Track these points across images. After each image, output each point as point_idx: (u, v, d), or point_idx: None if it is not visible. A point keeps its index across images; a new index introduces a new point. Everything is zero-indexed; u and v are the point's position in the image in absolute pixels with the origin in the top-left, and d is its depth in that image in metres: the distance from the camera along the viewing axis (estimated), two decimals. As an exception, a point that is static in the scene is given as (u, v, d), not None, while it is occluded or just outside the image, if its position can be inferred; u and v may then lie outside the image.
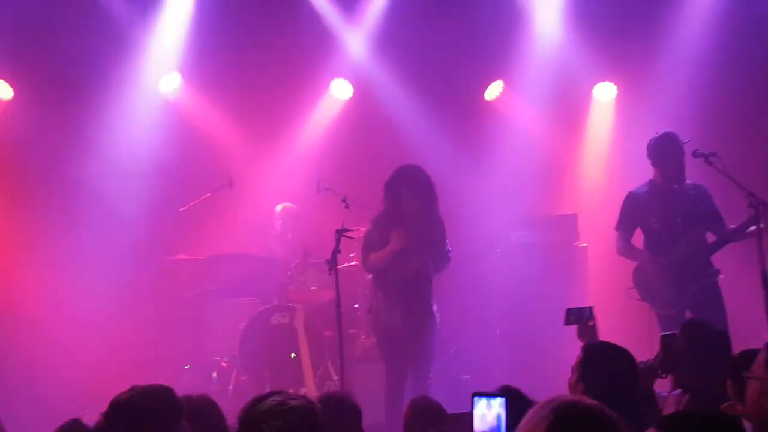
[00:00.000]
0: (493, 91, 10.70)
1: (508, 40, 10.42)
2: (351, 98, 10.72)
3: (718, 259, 7.72)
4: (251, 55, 10.32)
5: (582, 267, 9.67)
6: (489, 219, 9.94)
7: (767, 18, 9.44)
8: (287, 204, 9.97)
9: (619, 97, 10.55)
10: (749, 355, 3.85)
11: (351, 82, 10.67)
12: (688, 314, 7.32)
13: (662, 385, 5.17)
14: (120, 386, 3.86)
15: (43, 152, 9.64)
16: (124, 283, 9.42)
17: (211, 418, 4.09)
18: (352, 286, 8.85)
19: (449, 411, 5.00)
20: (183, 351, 9.37)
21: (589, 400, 2.59)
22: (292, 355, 8.90)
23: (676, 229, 7.67)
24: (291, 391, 3.38)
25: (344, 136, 10.54)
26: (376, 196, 7.92)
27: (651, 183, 7.87)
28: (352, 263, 8.89)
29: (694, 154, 7.29)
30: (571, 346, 5.47)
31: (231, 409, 3.95)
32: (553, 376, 6.17)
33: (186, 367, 9.21)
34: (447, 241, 7.82)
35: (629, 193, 7.99)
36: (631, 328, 7.70)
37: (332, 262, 7.27)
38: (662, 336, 5.22)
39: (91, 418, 4.25)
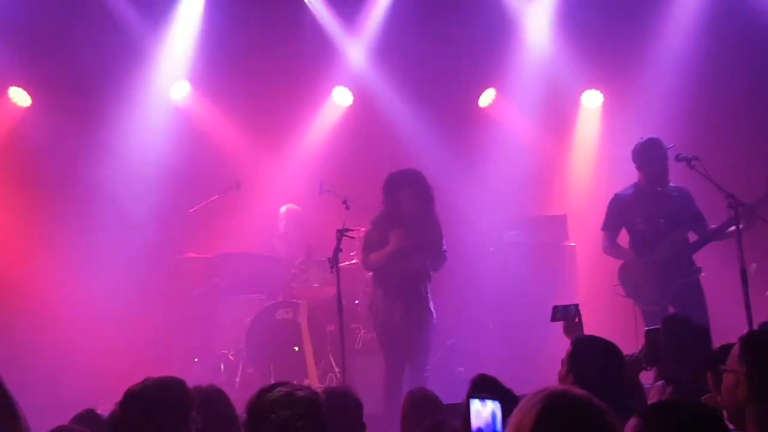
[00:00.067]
0: (486, 98, 10.71)
1: (500, 50, 10.44)
2: (351, 105, 10.72)
3: (699, 258, 7.73)
4: (256, 65, 10.32)
5: (571, 265, 9.68)
6: (482, 220, 9.96)
7: (748, 29, 9.45)
8: (291, 205, 9.97)
9: (605, 104, 10.56)
10: (728, 349, 3.86)
11: (351, 89, 10.67)
12: (671, 310, 7.32)
13: (647, 377, 5.19)
14: (133, 378, 3.86)
15: (60, 157, 9.62)
16: (136, 281, 9.41)
17: (220, 408, 4.10)
18: (352, 283, 8.87)
19: (445, 401, 5.01)
20: (192, 345, 9.36)
21: (578, 390, 2.60)
22: (296, 348, 8.89)
23: (660, 230, 7.69)
24: (295, 382, 3.38)
25: (345, 141, 10.55)
26: (375, 197, 7.93)
27: (636, 185, 7.88)
28: (353, 261, 8.89)
29: (677, 158, 7.30)
30: (559, 341, 5.49)
31: (238, 400, 3.96)
32: (543, 368, 6.22)
33: (195, 360, 9.21)
34: (443, 241, 7.83)
35: (615, 195, 8.00)
36: (617, 323, 7.70)
37: (334, 261, 7.28)
38: (647, 330, 5.23)
39: (105, 408, 4.26)
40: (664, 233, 7.68)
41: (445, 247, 7.85)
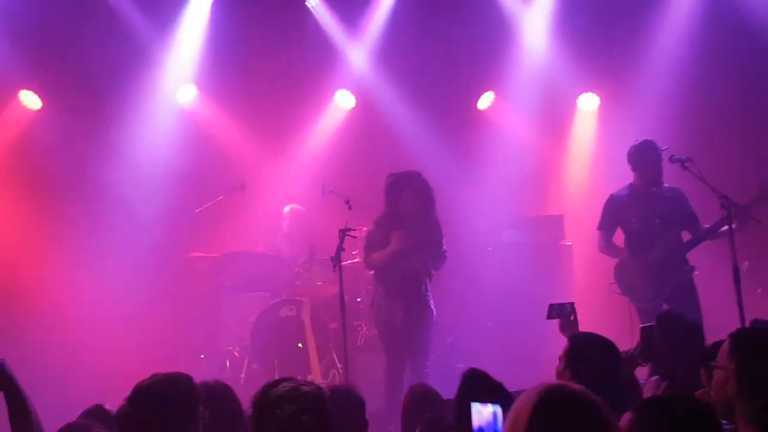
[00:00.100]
0: (485, 101, 10.72)
1: (498, 54, 10.44)
2: (353, 108, 10.74)
3: (693, 257, 7.74)
4: (261, 69, 10.34)
5: (567, 264, 9.68)
6: (481, 220, 9.97)
7: (740, 32, 9.45)
8: (294, 205, 9.99)
9: (601, 107, 10.56)
10: (720, 346, 3.88)
11: (353, 93, 10.69)
12: (665, 308, 7.32)
13: (642, 373, 5.20)
14: (141, 375, 3.86)
15: (69, 159, 9.63)
16: (144, 280, 9.42)
17: (226, 403, 4.10)
18: (354, 281, 8.87)
19: (445, 397, 5.01)
20: (199, 342, 9.38)
21: (574, 385, 2.60)
22: (300, 345, 8.90)
23: (655, 229, 7.69)
24: (299, 378, 3.39)
25: (347, 143, 10.56)
26: (376, 198, 7.94)
27: (631, 186, 7.88)
28: (355, 260, 8.90)
29: (671, 160, 7.30)
30: (556, 338, 5.50)
31: (244, 395, 3.96)
32: (541, 364, 6.22)
33: (202, 356, 9.23)
34: (443, 241, 7.83)
35: (611, 195, 8.00)
36: (612, 320, 7.70)
37: (336, 260, 7.28)
38: (642, 327, 5.24)
39: (113, 404, 4.26)
40: (658, 233, 7.69)
41: (445, 247, 7.84)
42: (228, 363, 9.08)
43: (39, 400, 3.89)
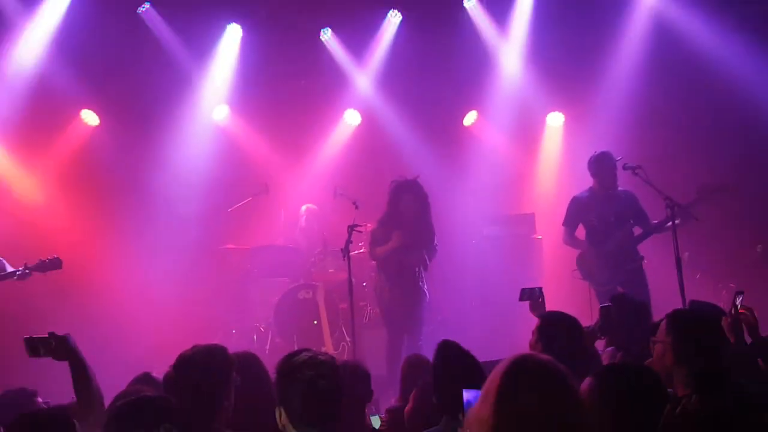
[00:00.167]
0: (470, 118, 10.70)
1: (481, 80, 10.43)
2: (360, 124, 10.71)
3: (643, 248, 7.75)
4: (282, 91, 10.33)
5: (538, 254, 9.69)
6: (466, 217, 9.95)
7: (683, 63, 9.46)
8: (310, 205, 9.97)
9: (566, 123, 10.55)
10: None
11: (360, 111, 10.67)
12: (620, 290, 7.32)
13: (600, 345, 5.20)
14: (183, 346, 3.86)
15: (123, 168, 9.66)
16: (185, 268, 9.41)
17: (254, 370, 4.10)
18: (361, 269, 8.85)
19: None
20: (230, 319, 9.36)
21: (542, 355, 2.59)
22: (315, 322, 8.89)
23: (610, 225, 7.70)
24: (314, 349, 3.39)
25: (355, 153, 10.55)
26: (380, 199, 7.95)
27: (591, 189, 7.89)
28: (361, 251, 8.88)
29: (624, 167, 7.31)
30: (527, 316, 5.52)
31: (269, 364, 3.94)
32: (516, 337, 6.21)
33: (233, 331, 9.20)
34: (435, 238, 7.85)
35: (574, 197, 8.01)
36: (575, 300, 7.70)
37: (345, 251, 7.29)
38: (601, 307, 5.25)
39: (159, 372, 4.25)
40: (613, 228, 7.70)
41: (436, 242, 7.86)
42: (255, 337, 9.08)
43: (97, 369, 3.89)
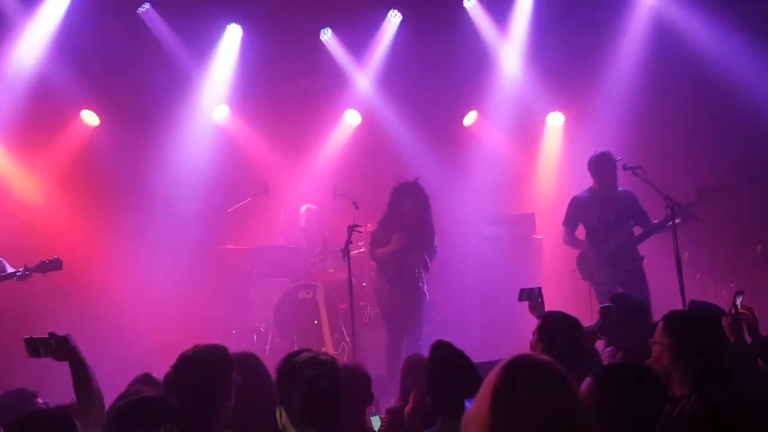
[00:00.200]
0: (470, 118, 10.71)
1: (481, 79, 10.44)
2: (360, 124, 10.72)
3: (643, 248, 7.75)
4: (283, 92, 10.34)
5: (538, 254, 9.70)
6: (466, 217, 9.96)
7: (683, 63, 9.47)
8: (310, 205, 9.97)
9: (566, 123, 10.56)
10: (659, 325, 3.92)
11: (360, 111, 10.67)
12: (620, 291, 7.33)
13: (599, 345, 5.20)
14: (184, 346, 3.87)
15: (123, 168, 9.66)
16: (186, 268, 9.40)
17: (253, 369, 4.10)
18: (360, 269, 8.86)
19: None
20: (231, 319, 9.37)
21: (541, 355, 2.59)
22: (315, 322, 8.90)
23: (610, 225, 7.70)
24: (314, 350, 3.39)
25: (354, 153, 10.55)
26: (379, 200, 7.96)
27: (591, 189, 7.89)
28: (361, 251, 8.89)
29: (624, 168, 7.31)
30: (527, 316, 5.53)
31: (269, 364, 3.95)
32: (516, 338, 6.21)
33: (233, 331, 9.20)
34: (435, 239, 7.85)
35: (574, 197, 8.01)
36: (575, 300, 7.71)
37: (345, 251, 7.29)
38: (601, 307, 5.26)
39: (159, 372, 4.25)
40: (613, 228, 7.70)
41: (436, 243, 7.87)
42: (255, 337, 9.08)
43: (97, 369, 3.89)
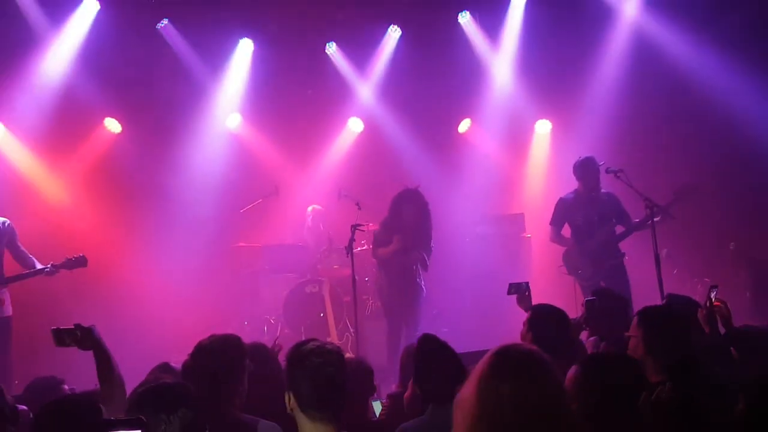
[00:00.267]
0: (464, 126, 10.72)
1: (474, 89, 10.45)
2: (362, 131, 10.72)
3: (624, 246, 7.75)
4: (291, 101, 10.34)
5: (527, 251, 9.69)
6: (461, 217, 9.96)
7: (662, 74, 9.47)
8: (316, 206, 9.99)
9: (553, 130, 10.57)
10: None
11: (363, 119, 10.68)
12: (602, 284, 7.33)
13: (583, 336, 5.20)
14: (199, 337, 3.88)
15: (143, 171, 9.65)
16: (201, 264, 9.40)
17: (263, 358, 4.11)
18: (363, 265, 8.85)
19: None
20: (243, 312, 9.36)
21: (527, 344, 2.59)
22: (321, 314, 8.91)
23: (594, 225, 7.70)
24: (321, 340, 3.39)
25: (357, 158, 10.55)
26: (380, 200, 7.98)
27: (576, 191, 7.89)
28: (363, 248, 8.90)
29: (607, 171, 7.31)
30: (516, 309, 5.54)
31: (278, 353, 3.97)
32: (506, 329, 6.20)
33: (245, 323, 9.20)
34: (432, 241, 7.85)
35: (560, 198, 8.01)
36: (561, 294, 7.70)
37: (349, 248, 7.29)
38: (586, 300, 5.26)
39: (176, 360, 4.24)
40: (597, 227, 7.70)
41: (432, 243, 7.87)
42: (265, 328, 9.09)
43: (119, 358, 3.89)
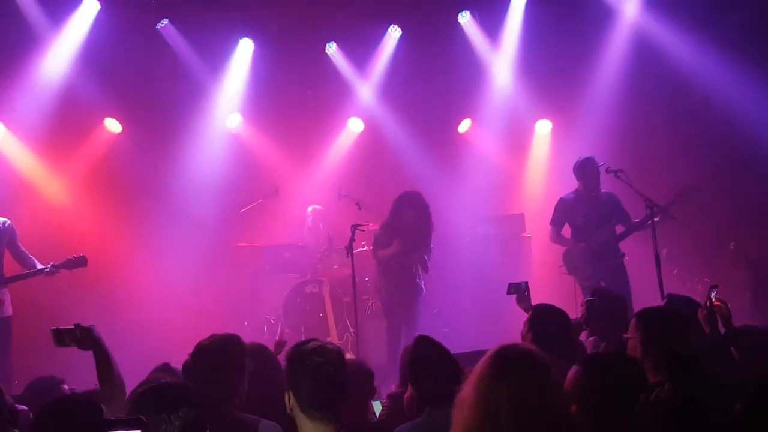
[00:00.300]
0: (464, 125, 10.71)
1: (474, 89, 10.44)
2: (362, 131, 10.71)
3: (624, 246, 7.75)
4: (291, 101, 10.33)
5: (527, 251, 9.69)
6: (461, 217, 9.95)
7: (662, 74, 9.47)
8: (316, 206, 9.98)
9: (553, 130, 10.56)
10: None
11: (362, 119, 10.66)
12: (602, 284, 7.33)
13: (582, 336, 5.20)
14: (199, 337, 3.88)
15: (143, 171, 9.64)
16: (201, 264, 9.41)
17: (263, 358, 4.11)
18: (363, 265, 8.84)
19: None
20: (243, 312, 9.36)
21: (526, 344, 2.60)
22: (321, 314, 8.91)
23: (594, 225, 7.71)
24: (321, 340, 3.38)
25: (357, 158, 10.54)
26: (381, 201, 7.99)
27: (576, 191, 7.89)
28: (363, 249, 8.90)
29: (607, 171, 7.32)
30: (515, 309, 5.54)
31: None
32: (506, 329, 6.22)
33: (245, 323, 9.20)
34: (431, 243, 7.87)
35: (560, 198, 8.02)
36: (561, 294, 7.71)
37: (349, 248, 7.31)
38: (586, 300, 5.26)
39: (177, 361, 4.24)
40: (597, 227, 7.71)
41: (432, 245, 7.89)
42: (266, 328, 9.08)
43: (119, 359, 3.89)
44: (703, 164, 9.23)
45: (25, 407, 4.03)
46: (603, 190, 7.78)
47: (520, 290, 5.56)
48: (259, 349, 4.15)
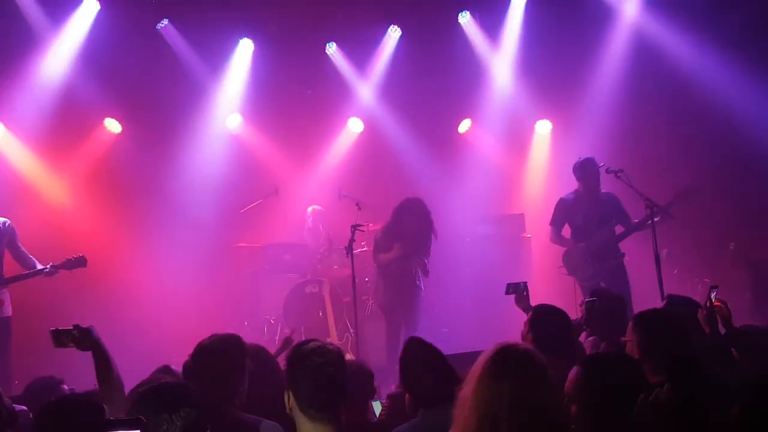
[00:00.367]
0: (464, 126, 10.70)
1: (474, 90, 10.43)
2: (362, 131, 10.70)
3: (624, 246, 7.75)
4: (291, 101, 10.33)
5: (527, 252, 9.69)
6: (460, 217, 9.95)
7: (662, 74, 9.47)
8: (316, 206, 9.98)
9: (553, 130, 10.55)
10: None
11: (362, 119, 10.66)
12: (602, 285, 7.33)
13: (581, 337, 5.19)
14: (199, 338, 3.87)
15: (143, 172, 9.65)
16: (201, 264, 9.40)
17: (265, 358, 4.11)
18: (363, 265, 8.84)
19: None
20: (243, 312, 9.36)
21: (524, 344, 2.60)
22: (321, 314, 8.91)
23: (594, 225, 7.71)
24: (321, 340, 3.38)
25: (357, 158, 10.53)
26: (381, 201, 7.99)
27: (576, 192, 7.89)
28: (363, 249, 8.90)
29: (607, 171, 7.31)
30: (515, 309, 5.54)
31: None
32: (505, 329, 6.21)
33: (245, 323, 9.20)
34: (431, 246, 7.89)
35: (560, 199, 8.01)
36: (561, 294, 7.71)
37: (349, 248, 7.31)
38: (586, 301, 5.25)
39: (177, 362, 4.23)
40: (597, 227, 7.70)
41: (431, 248, 7.90)
42: (265, 328, 9.08)
43: (119, 360, 3.88)
44: (703, 164, 9.23)
45: (24, 407, 4.03)
46: (603, 191, 7.78)
47: (518, 290, 5.56)
48: (260, 351, 4.14)
